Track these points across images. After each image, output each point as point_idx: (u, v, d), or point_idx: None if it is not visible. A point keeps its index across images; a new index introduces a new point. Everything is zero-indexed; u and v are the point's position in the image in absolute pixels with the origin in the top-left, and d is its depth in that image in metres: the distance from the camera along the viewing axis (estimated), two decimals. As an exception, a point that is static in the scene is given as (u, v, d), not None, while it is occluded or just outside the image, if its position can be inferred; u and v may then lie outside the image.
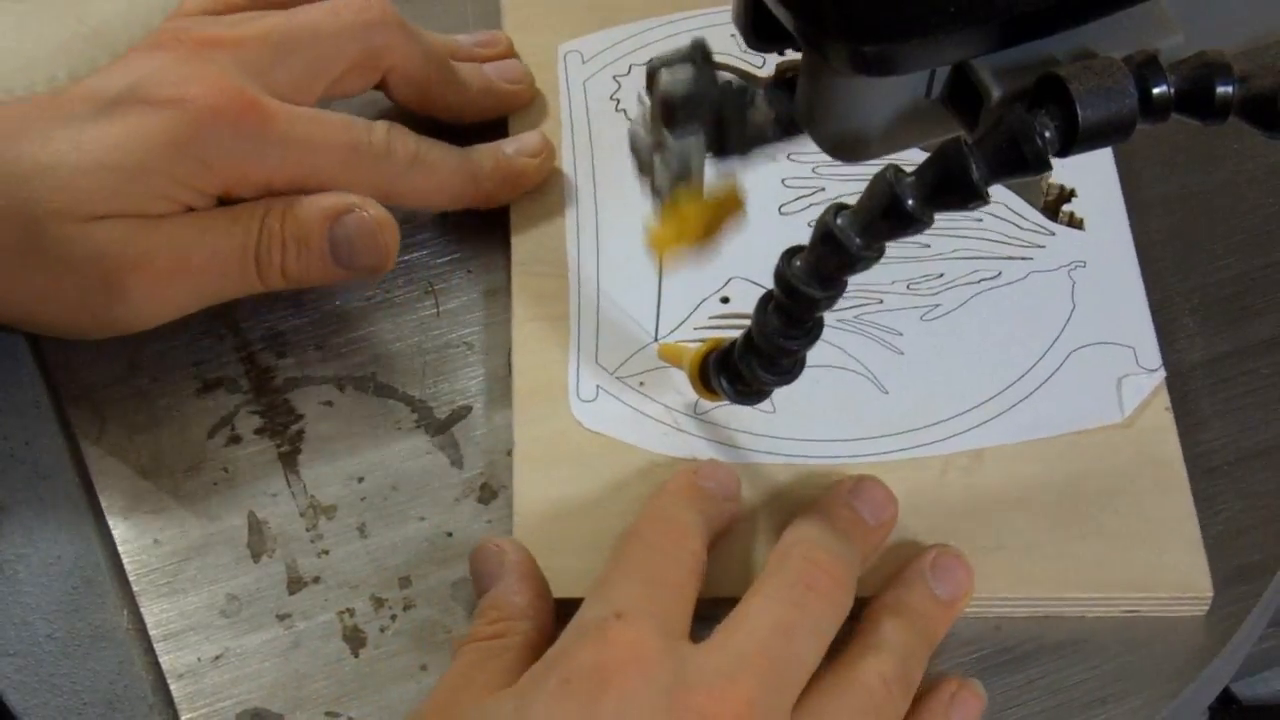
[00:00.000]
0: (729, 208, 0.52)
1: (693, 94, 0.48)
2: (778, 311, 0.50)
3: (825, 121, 0.47)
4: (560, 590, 0.55)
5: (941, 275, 0.62)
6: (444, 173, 0.63)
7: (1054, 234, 0.63)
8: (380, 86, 0.65)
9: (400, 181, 0.62)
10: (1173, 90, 0.43)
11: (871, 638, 0.53)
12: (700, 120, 0.48)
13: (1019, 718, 0.55)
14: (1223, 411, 0.60)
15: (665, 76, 0.48)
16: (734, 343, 0.54)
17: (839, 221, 0.46)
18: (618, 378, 0.60)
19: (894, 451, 0.59)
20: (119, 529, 0.58)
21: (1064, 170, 0.64)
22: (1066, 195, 0.64)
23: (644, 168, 0.52)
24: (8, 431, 0.61)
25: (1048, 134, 0.43)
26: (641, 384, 0.60)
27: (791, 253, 0.49)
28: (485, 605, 0.54)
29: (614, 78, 0.68)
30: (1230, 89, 0.44)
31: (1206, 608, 0.56)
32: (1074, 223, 0.64)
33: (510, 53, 0.69)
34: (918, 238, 0.60)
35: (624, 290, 0.62)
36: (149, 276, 0.58)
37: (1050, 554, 0.56)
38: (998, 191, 0.62)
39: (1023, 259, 0.63)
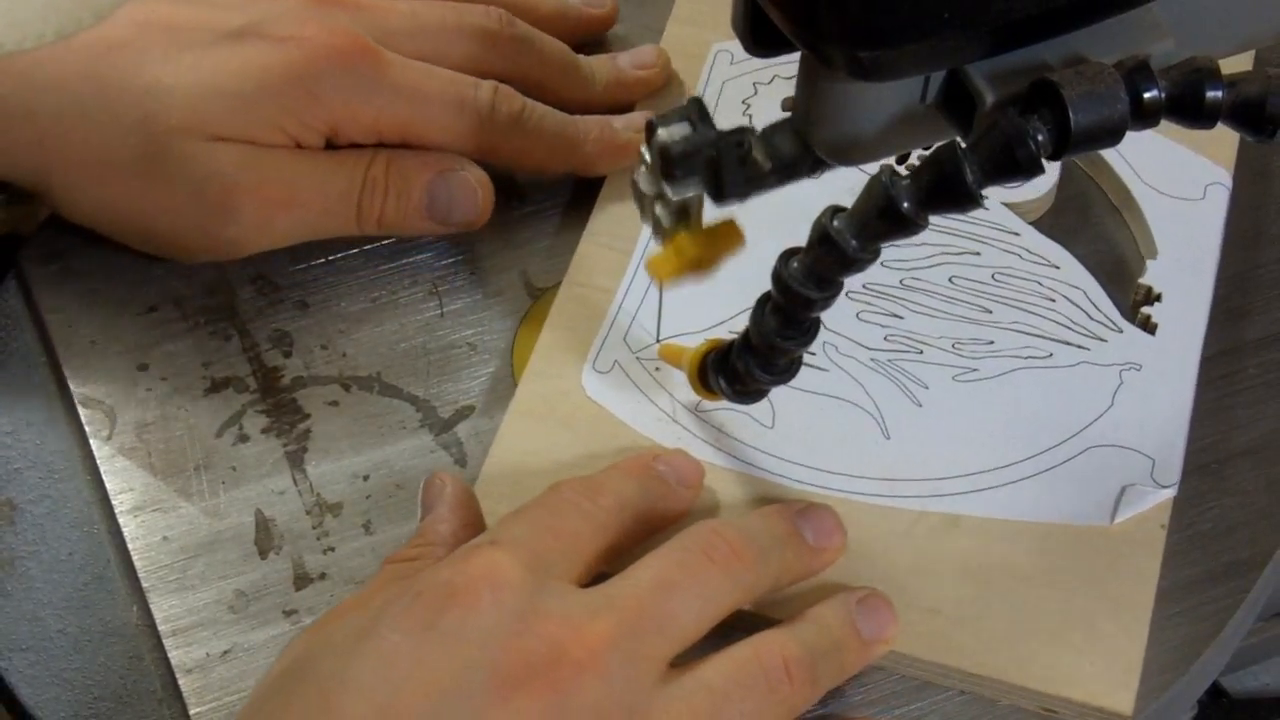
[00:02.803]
0: (728, 243, 0.53)
1: (689, 149, 0.49)
2: (775, 312, 0.51)
3: (822, 126, 0.47)
4: None
5: (992, 343, 0.61)
6: (546, 135, 0.65)
7: (1121, 331, 0.61)
8: (503, 82, 0.66)
9: (503, 139, 0.64)
10: (1163, 95, 0.44)
11: (783, 626, 0.53)
12: (697, 172, 0.49)
13: (1011, 709, 0.55)
14: (1213, 410, 0.60)
15: (662, 133, 0.49)
16: (732, 343, 0.55)
17: (835, 224, 0.47)
18: (638, 358, 0.61)
19: (871, 495, 0.58)
20: (129, 526, 0.59)
21: (1160, 272, 0.63)
22: (1152, 298, 0.62)
23: (645, 213, 0.53)
24: (20, 431, 0.62)
25: (1040, 138, 0.43)
26: (657, 369, 0.61)
27: (789, 254, 0.49)
28: (415, 532, 0.55)
29: (754, 84, 0.68)
30: (1219, 94, 0.44)
31: None
32: (1147, 326, 0.61)
33: (614, 14, 0.71)
34: (981, 301, 0.62)
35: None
36: (260, 202, 0.61)
37: (983, 632, 0.55)
38: (1080, 277, 0.63)
39: (1080, 347, 0.61)
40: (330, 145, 0.62)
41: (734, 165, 0.49)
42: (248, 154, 0.60)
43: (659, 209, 0.52)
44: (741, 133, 0.49)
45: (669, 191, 0.50)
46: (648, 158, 0.50)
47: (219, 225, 0.61)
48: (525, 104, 0.64)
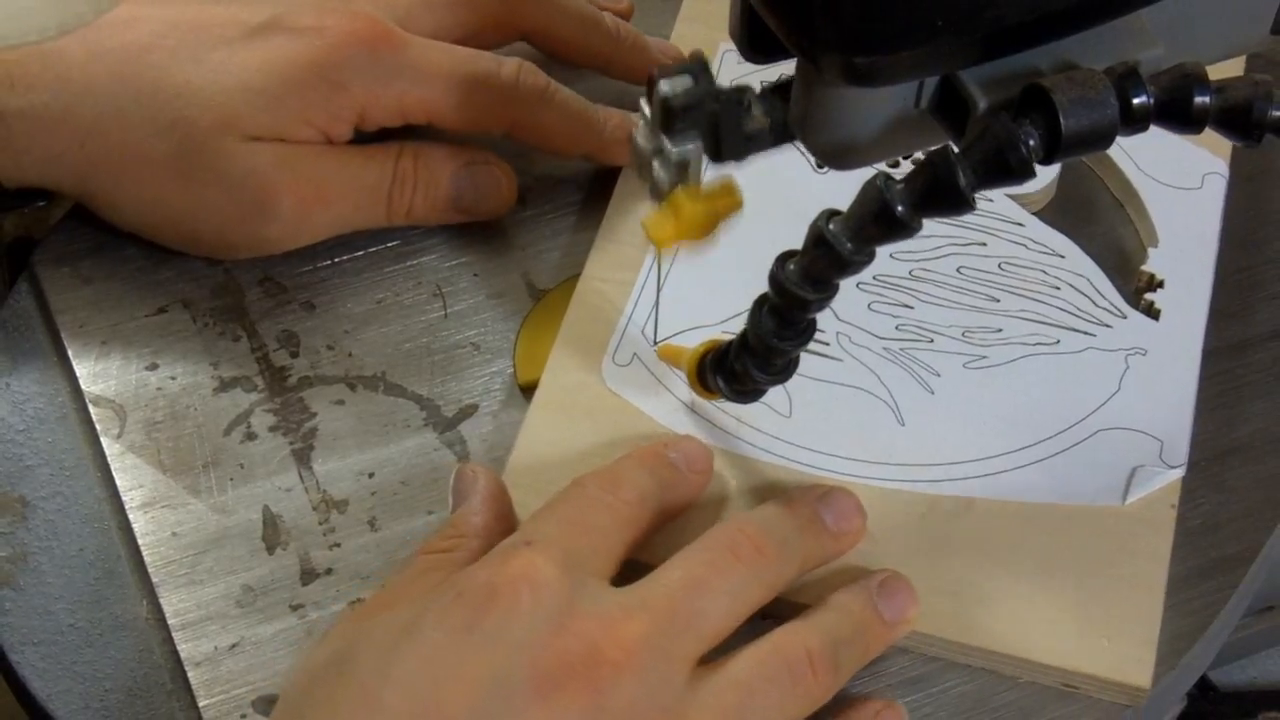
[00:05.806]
0: (726, 205, 0.53)
1: (690, 103, 0.49)
2: (772, 313, 0.52)
3: (818, 130, 0.48)
4: None
5: (1000, 331, 0.62)
6: (569, 115, 0.65)
7: (1125, 317, 0.62)
8: (526, 41, 0.67)
9: (526, 116, 0.65)
10: (1152, 100, 0.45)
11: (805, 617, 0.54)
12: (697, 127, 0.50)
13: (1002, 704, 0.56)
14: (1202, 409, 0.61)
15: (664, 86, 0.49)
16: (730, 343, 0.55)
17: (831, 227, 0.47)
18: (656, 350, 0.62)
19: (887, 480, 0.59)
20: (139, 522, 0.60)
21: (1161, 259, 0.64)
22: (1155, 284, 0.63)
23: (643, 171, 0.53)
24: (32, 429, 0.62)
25: (1032, 142, 0.44)
26: None
27: (786, 256, 0.50)
28: (447, 522, 0.56)
29: (760, 82, 0.69)
30: (1207, 99, 0.45)
31: (1143, 701, 0.55)
32: (1151, 312, 0.62)
33: (629, 12, 0.71)
34: (989, 290, 0.63)
35: (697, 277, 0.63)
36: (297, 199, 0.62)
37: (1001, 612, 0.56)
38: (1084, 265, 0.64)
39: (1085, 334, 0.62)
40: (359, 131, 0.63)
41: (733, 122, 0.49)
42: (281, 152, 0.61)
43: (658, 167, 0.52)
44: (742, 90, 0.49)
45: (668, 146, 0.50)
46: (648, 111, 0.50)
47: (259, 223, 0.62)
48: (549, 81, 0.65)
